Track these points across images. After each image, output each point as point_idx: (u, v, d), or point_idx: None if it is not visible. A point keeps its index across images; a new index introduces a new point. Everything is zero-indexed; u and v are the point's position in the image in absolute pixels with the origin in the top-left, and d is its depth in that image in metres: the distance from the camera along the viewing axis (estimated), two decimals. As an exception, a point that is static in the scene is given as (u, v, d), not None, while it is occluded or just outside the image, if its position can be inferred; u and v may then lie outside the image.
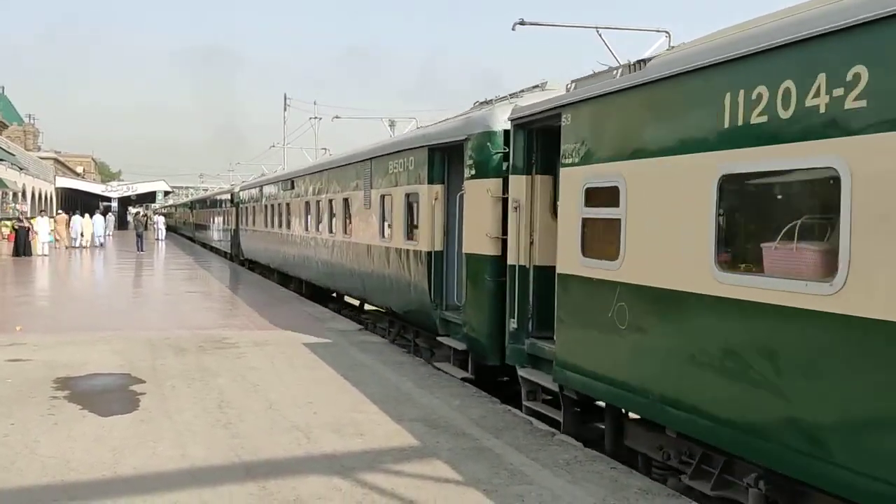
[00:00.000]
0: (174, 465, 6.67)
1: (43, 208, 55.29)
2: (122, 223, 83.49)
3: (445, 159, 11.67)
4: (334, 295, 20.56)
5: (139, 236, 42.47)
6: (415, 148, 12.47)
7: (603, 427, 7.99)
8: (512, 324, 9.23)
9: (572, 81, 8.36)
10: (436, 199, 11.61)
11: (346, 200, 16.65)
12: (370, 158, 15.02)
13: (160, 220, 59.14)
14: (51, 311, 17.49)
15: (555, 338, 8.22)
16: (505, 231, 9.57)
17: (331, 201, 17.98)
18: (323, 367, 11.03)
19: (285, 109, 51.43)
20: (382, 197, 14.04)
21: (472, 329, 10.37)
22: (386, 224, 13.92)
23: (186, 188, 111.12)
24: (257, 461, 6.79)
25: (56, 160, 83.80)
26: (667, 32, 12.51)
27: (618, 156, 7.10)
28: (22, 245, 34.58)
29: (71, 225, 44.17)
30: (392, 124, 34.11)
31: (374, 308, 17.10)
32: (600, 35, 10.95)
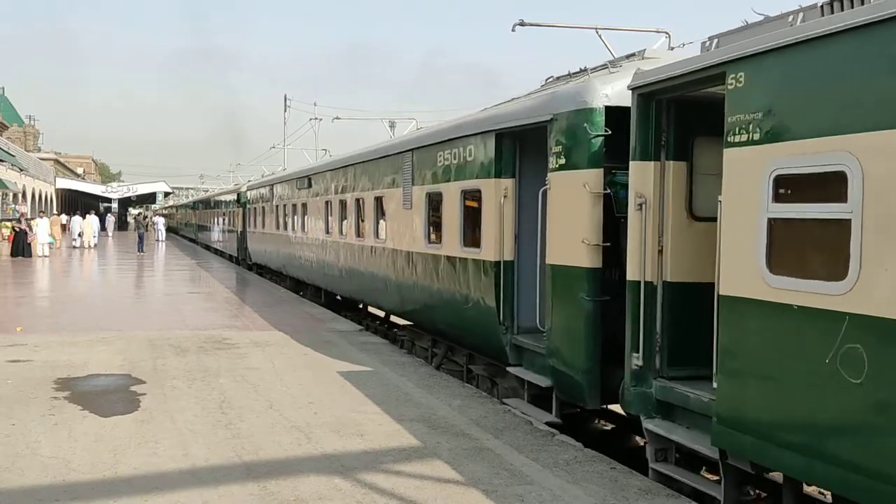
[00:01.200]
0: (175, 465, 6.68)
1: (42, 209, 55.32)
2: (121, 224, 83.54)
3: (517, 147, 9.64)
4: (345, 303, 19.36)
5: (141, 237, 42.61)
6: (476, 134, 10.26)
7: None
8: (635, 360, 7.06)
9: (709, 38, 6.61)
10: (505, 196, 9.46)
11: (378, 200, 14.36)
12: (412, 150, 12.58)
13: (160, 220, 59.14)
14: (51, 311, 17.50)
15: (714, 384, 6.16)
16: (608, 237, 7.78)
17: (358, 201, 15.69)
18: (323, 367, 11.03)
19: (286, 110, 51.45)
20: (429, 195, 11.79)
21: (561, 361, 8.31)
22: (433, 227, 11.72)
23: (187, 189, 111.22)
24: (258, 461, 6.81)
25: (56, 161, 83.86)
26: (667, 33, 12.53)
27: (844, 126, 4.99)
28: (21, 246, 34.57)
29: (69, 226, 44.50)
30: (392, 125, 34.15)
31: (405, 323, 14.79)
32: (600, 35, 10.97)
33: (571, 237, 8.06)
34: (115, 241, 53.23)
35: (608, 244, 7.80)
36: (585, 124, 7.96)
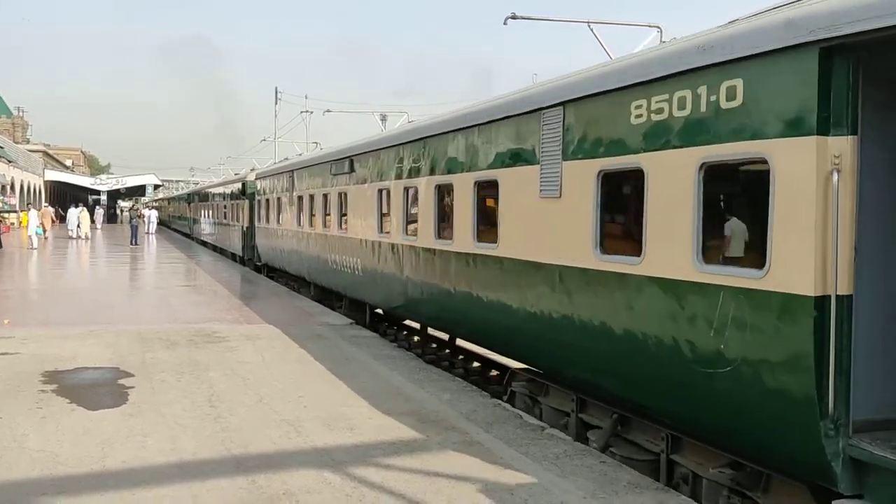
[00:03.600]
0: (163, 458, 6.65)
1: (30, 201, 55.14)
2: (110, 217, 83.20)
3: (858, 77, 5.29)
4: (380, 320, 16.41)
5: (134, 229, 42.57)
6: (758, 56, 5.72)
7: None
8: None
9: None
10: (837, 170, 5.22)
11: (481, 186, 9.93)
12: (563, 103, 8.02)
13: (153, 213, 58.89)
14: (40, 304, 17.39)
15: None
16: None
17: (440, 189, 11.22)
18: (313, 361, 11.01)
19: (276, 103, 51.33)
20: (605, 176, 7.38)
21: None
22: (616, 228, 7.70)
23: (177, 182, 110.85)
24: (247, 454, 6.78)
25: (45, 153, 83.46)
26: (658, 27, 12.56)
27: None
28: None
29: (67, 217, 45.32)
30: (383, 118, 34.09)
31: (517, 365, 10.06)
32: (592, 29, 10.98)
33: None
34: (105, 234, 52.97)
35: None
36: None
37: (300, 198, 20.39)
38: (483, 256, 9.76)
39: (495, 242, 9.44)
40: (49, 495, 5.77)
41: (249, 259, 29.03)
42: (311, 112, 45.72)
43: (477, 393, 9.43)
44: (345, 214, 16.23)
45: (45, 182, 74.90)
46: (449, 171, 10.93)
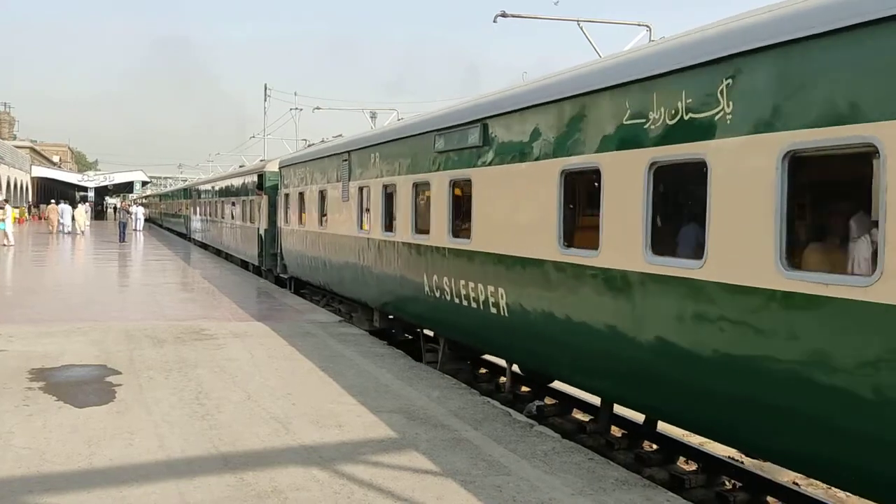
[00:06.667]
0: (151, 456, 6.63)
1: (6, 198, 54.90)
2: (98, 214, 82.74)
3: None
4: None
5: (123, 225, 42.54)
6: None
7: None
8: None
9: None
10: None
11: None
12: None
13: (139, 210, 58.61)
14: (26, 301, 17.27)
15: None
16: None
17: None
18: (302, 358, 10.99)
19: (266, 100, 51.10)
20: None
21: None
22: None
23: (165, 178, 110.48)
24: (235, 452, 6.77)
25: (32, 149, 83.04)
26: (647, 26, 12.60)
27: None
28: None
29: (60, 213, 47.20)
30: (373, 115, 34.03)
31: None
32: (581, 28, 11.00)
33: None
34: (92, 231, 52.65)
35: None
36: None
37: (363, 189, 14.38)
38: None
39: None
40: (35, 493, 5.74)
41: (268, 269, 23.69)
42: (301, 109, 45.66)
43: (466, 391, 9.44)
44: (461, 217, 10.46)
45: (33, 178, 74.45)
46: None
